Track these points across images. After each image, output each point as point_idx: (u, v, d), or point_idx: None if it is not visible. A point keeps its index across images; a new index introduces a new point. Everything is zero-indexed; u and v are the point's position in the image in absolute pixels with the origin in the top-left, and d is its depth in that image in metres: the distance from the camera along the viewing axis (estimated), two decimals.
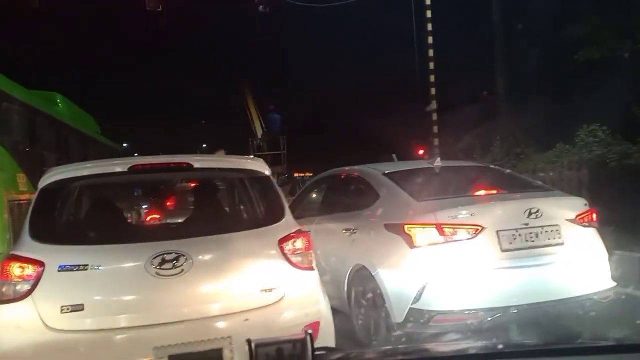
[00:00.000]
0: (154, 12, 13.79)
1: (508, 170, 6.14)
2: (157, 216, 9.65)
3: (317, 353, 1.30)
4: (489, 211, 4.23)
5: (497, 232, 4.08)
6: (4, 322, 3.06)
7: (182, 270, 3.16)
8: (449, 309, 3.95)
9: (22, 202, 6.21)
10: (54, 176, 3.62)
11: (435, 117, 16.89)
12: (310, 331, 1.32)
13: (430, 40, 16.59)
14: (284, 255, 3.42)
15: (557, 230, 4.23)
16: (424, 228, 4.08)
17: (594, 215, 4.49)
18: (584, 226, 4.38)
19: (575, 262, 4.19)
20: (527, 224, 4.15)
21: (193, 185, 6.05)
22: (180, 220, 6.18)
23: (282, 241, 3.45)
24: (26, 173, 6.72)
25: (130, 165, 3.60)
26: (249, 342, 1.30)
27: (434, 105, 15.65)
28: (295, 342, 1.28)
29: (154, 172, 3.96)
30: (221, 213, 4.43)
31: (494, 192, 4.72)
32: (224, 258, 3.39)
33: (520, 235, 4.14)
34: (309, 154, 22.41)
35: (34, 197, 3.55)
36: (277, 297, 3.32)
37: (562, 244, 4.22)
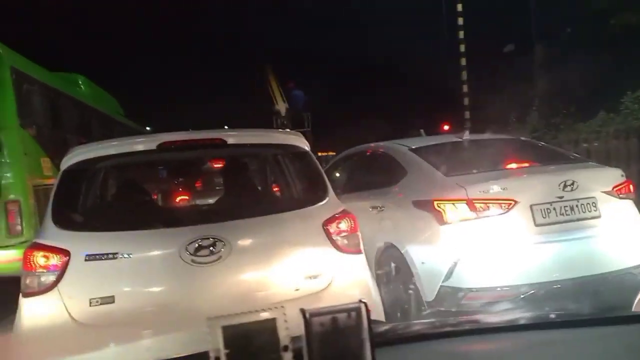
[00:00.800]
0: None
1: (541, 143, 5.98)
2: (187, 197, 9.43)
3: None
4: (521, 185, 4.15)
5: (531, 206, 3.98)
6: (29, 317, 2.87)
7: (220, 257, 2.93)
8: (481, 285, 3.87)
9: (47, 186, 6.06)
10: (77, 156, 3.37)
11: (465, 88, 16.41)
12: (365, 300, 1.27)
13: (460, 7, 16.06)
14: (330, 237, 3.18)
15: (593, 203, 4.13)
16: (454, 204, 3.99)
17: (631, 187, 4.37)
18: (621, 198, 4.27)
19: (613, 235, 4.08)
20: (561, 197, 4.06)
21: (222, 163, 5.75)
22: (211, 202, 5.87)
23: (327, 223, 3.21)
24: (50, 157, 6.59)
25: (159, 142, 3.31)
26: (303, 311, 1.26)
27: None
28: (350, 311, 1.25)
29: (184, 150, 3.63)
30: (256, 192, 4.20)
31: (526, 165, 4.61)
32: (265, 242, 3.15)
33: (554, 208, 4.04)
34: (333, 133, 22.09)
35: (56, 179, 3.32)
36: (324, 284, 3.11)
37: (598, 217, 4.12)
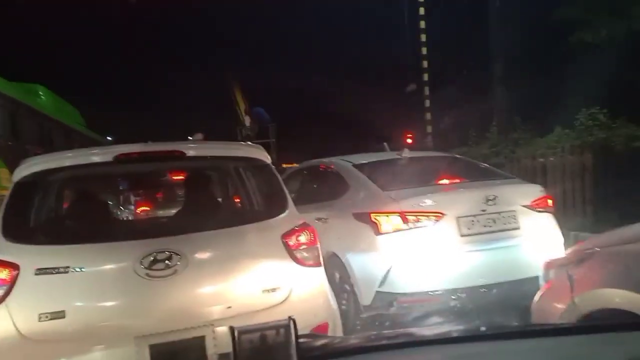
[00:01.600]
0: None
1: (471, 160, 6.56)
2: (145, 209, 9.30)
3: (301, 340, 1.29)
4: (448, 199, 4.60)
5: (457, 218, 4.41)
6: None
7: (176, 271, 2.87)
8: (411, 290, 4.29)
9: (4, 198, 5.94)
10: (30, 167, 3.28)
11: (427, 103, 16.82)
12: (294, 317, 1.30)
13: (423, 24, 16.48)
14: (288, 250, 3.15)
15: (514, 216, 4.59)
16: (388, 216, 4.39)
17: (549, 201, 4.85)
18: (539, 211, 4.73)
19: (530, 244, 4.53)
20: (484, 210, 4.50)
21: (181, 175, 5.70)
22: (170, 214, 5.83)
23: (286, 235, 3.18)
24: (9, 167, 6.45)
25: (115, 154, 3.25)
26: (232, 328, 1.26)
27: (412, 86, 15.51)
28: (278, 328, 1.27)
29: (142, 162, 3.59)
30: (215, 205, 4.17)
31: (456, 180, 5.08)
32: (221, 256, 3.10)
33: (478, 220, 4.49)
34: (298, 144, 22.22)
35: (8, 191, 3.22)
36: (281, 298, 3.07)
37: (518, 228, 4.57)
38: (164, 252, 2.88)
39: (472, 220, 4.45)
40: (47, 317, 2.74)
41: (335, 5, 21.16)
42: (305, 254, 3.20)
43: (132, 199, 10.36)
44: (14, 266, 2.80)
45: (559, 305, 2.62)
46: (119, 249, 3.00)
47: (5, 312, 2.74)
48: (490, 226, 4.50)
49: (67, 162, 3.38)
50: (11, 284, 2.77)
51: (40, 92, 9.61)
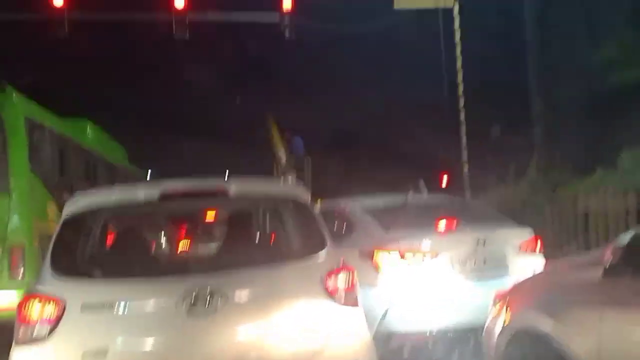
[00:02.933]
0: (181, 39, 14.18)
1: (472, 201, 7.49)
2: (187, 246, 9.53)
3: None
4: (444, 240, 5.06)
5: (451, 258, 4.82)
6: None
7: (217, 310, 2.94)
8: (408, 329, 4.64)
9: (52, 231, 6.20)
10: (78, 203, 3.48)
11: (464, 141, 16.76)
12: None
13: (459, 64, 16.57)
14: (328, 291, 3.19)
15: (504, 257, 5.06)
16: (389, 252, 4.78)
17: (538, 242, 5.28)
18: (528, 253, 5.17)
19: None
20: (476, 251, 4.96)
21: (223, 212, 5.87)
22: (211, 249, 5.99)
23: (326, 276, 3.23)
24: (56, 202, 6.76)
25: (161, 192, 3.40)
26: None
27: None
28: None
29: (186, 199, 3.75)
30: (256, 243, 4.41)
31: (452, 222, 5.46)
32: (262, 295, 3.14)
33: (470, 261, 4.94)
34: (333, 181, 22.43)
35: (57, 226, 3.41)
36: (322, 339, 3.11)
37: (507, 268, 5.02)
38: (205, 289, 2.93)
39: (464, 261, 4.92)
40: (91, 355, 2.80)
41: (372, 45, 21.59)
42: (344, 295, 3.22)
43: (175, 234, 10.66)
44: (60, 301, 2.89)
45: (497, 329, 3.07)
46: (162, 285, 3.08)
47: (51, 349, 2.82)
48: (481, 266, 4.96)
49: (114, 199, 3.62)
50: (57, 319, 2.86)
51: (88, 128, 9.97)
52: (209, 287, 2.96)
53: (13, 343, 2.96)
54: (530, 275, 4.20)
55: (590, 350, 2.34)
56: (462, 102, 16.63)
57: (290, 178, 20.42)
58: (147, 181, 10.78)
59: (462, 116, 16.70)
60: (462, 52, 16.55)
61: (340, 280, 3.23)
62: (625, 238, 2.53)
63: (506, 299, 3.15)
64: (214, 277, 3.06)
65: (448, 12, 16.53)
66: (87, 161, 8.96)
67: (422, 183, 8.81)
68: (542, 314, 2.67)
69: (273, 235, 4.89)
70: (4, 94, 6.22)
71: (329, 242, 3.46)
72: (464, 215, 5.70)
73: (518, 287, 3.32)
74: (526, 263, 5.02)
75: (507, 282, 4.55)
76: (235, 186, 3.58)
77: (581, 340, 2.39)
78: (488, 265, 4.97)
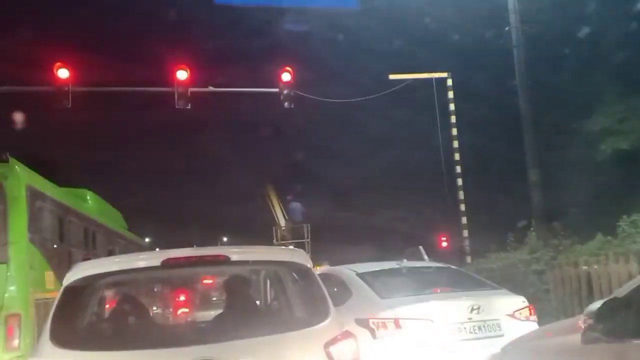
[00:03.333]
0: (182, 111, 14.43)
1: (462, 270, 7.54)
2: (185, 312, 9.39)
3: None
4: (438, 307, 5.15)
5: (445, 325, 4.93)
6: None
7: None
8: None
9: (49, 299, 6.14)
10: (80, 272, 3.42)
11: (462, 207, 16.86)
12: None
13: (455, 131, 16.96)
14: None
15: (498, 324, 5.17)
16: (385, 321, 4.89)
17: (531, 310, 5.43)
18: (522, 320, 5.31)
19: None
20: (470, 318, 5.07)
21: (223, 279, 5.78)
22: (209, 317, 5.85)
23: (329, 344, 3.12)
24: (54, 270, 6.75)
25: (163, 259, 3.36)
26: None
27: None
28: None
29: (187, 266, 3.65)
30: (256, 310, 4.26)
31: (447, 289, 5.77)
32: None
33: (465, 327, 5.04)
34: (332, 247, 22.38)
35: (57, 295, 3.34)
36: None
37: (502, 336, 5.04)
38: None
39: (459, 328, 5.02)
40: None
41: (371, 114, 22.15)
42: None
43: (176, 301, 10.51)
44: None
45: None
46: (163, 356, 3.02)
47: None
48: (475, 333, 5.07)
49: (115, 267, 3.54)
50: None
51: (88, 197, 10.09)
52: (207, 358, 2.90)
53: None
54: (520, 338, 4.18)
55: None
56: (459, 168, 16.93)
57: (290, 244, 20.43)
58: (148, 251, 10.78)
59: (460, 182, 16.94)
60: (457, 121, 17.02)
61: (344, 349, 3.15)
62: (595, 305, 2.69)
63: None
64: (216, 348, 2.99)
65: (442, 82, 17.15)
66: (87, 229, 8.98)
67: (421, 249, 8.97)
68: None
69: (275, 302, 4.81)
70: (7, 164, 6.33)
71: (332, 310, 3.38)
72: (458, 283, 6.02)
73: (509, 350, 3.59)
74: (520, 330, 5.05)
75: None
76: (235, 253, 3.59)
77: None
78: (483, 332, 5.10)
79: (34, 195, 6.65)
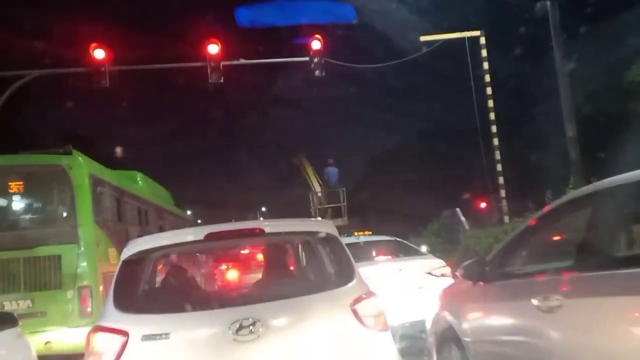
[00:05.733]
0: (215, 86, 15.01)
1: (405, 242, 9.72)
2: (230, 280, 10.53)
3: None
4: (377, 269, 7.28)
5: (381, 280, 6.53)
6: None
7: (259, 336, 3.35)
8: None
9: (113, 273, 7.25)
10: (134, 247, 3.96)
11: (499, 167, 17.23)
12: None
13: (489, 90, 17.19)
14: (358, 317, 3.55)
15: (417, 280, 7.34)
16: None
17: (448, 269, 7.48)
18: (438, 277, 7.31)
19: (429, 297, 5.93)
20: (398, 275, 7.41)
21: (260, 249, 6.57)
22: (251, 281, 6.64)
23: (355, 302, 3.58)
24: (115, 247, 7.83)
25: (206, 233, 3.87)
26: None
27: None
28: None
29: (227, 239, 4.23)
30: (291, 275, 4.84)
31: (387, 256, 8.31)
32: (297, 322, 3.52)
33: (393, 282, 7.15)
34: (369, 212, 23.21)
35: (116, 269, 3.90)
36: (353, 359, 3.51)
37: (421, 287, 7.21)
38: (247, 319, 3.37)
39: (390, 282, 7.02)
40: None
41: (404, 77, 22.42)
42: (373, 320, 3.59)
43: (216, 269, 11.74)
44: (123, 333, 3.37)
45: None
46: (210, 317, 3.55)
47: None
48: (401, 286, 7.18)
49: (165, 242, 4.14)
50: (122, 349, 3.33)
51: (138, 178, 11.26)
52: (250, 317, 3.38)
53: None
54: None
55: (465, 329, 4.07)
56: (494, 128, 17.27)
57: (327, 208, 21.32)
58: (192, 224, 11.82)
59: (496, 141, 17.30)
60: (491, 80, 17.24)
61: (368, 306, 3.61)
62: (466, 263, 4.18)
63: (438, 301, 4.83)
64: (255, 308, 3.47)
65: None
66: (140, 208, 10.11)
67: (458, 212, 10.48)
68: (446, 311, 4.49)
69: (305, 268, 5.31)
70: (71, 156, 7.37)
71: (357, 273, 3.85)
72: (396, 251, 8.56)
73: (441, 294, 4.92)
74: (436, 284, 6.83)
75: (422, 295, 7.02)
76: (269, 225, 4.12)
77: (462, 324, 4.11)
78: (406, 285, 7.27)
79: (95, 182, 7.70)
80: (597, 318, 2.78)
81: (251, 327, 3.35)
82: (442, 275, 7.36)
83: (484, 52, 16.99)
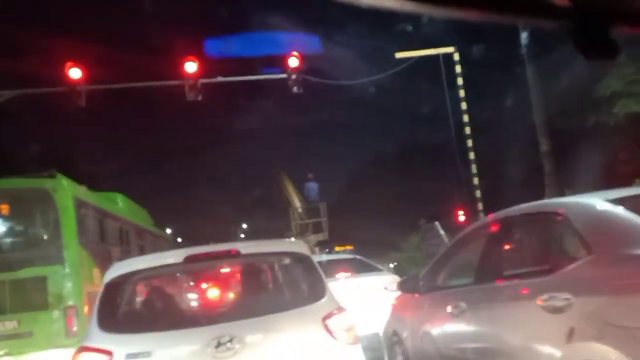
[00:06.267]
0: (193, 102, 15.39)
1: (365, 259, 10.79)
2: (207, 299, 11.05)
3: None
4: (339, 284, 8.27)
5: (342, 293, 6.72)
6: None
7: (236, 352, 3.65)
8: None
9: (97, 292, 7.74)
10: (116, 271, 4.28)
11: (476, 181, 17.94)
12: None
13: (464, 106, 17.96)
14: (329, 331, 3.86)
15: (373, 294, 8.21)
16: None
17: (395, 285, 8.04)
18: (392, 291, 7.21)
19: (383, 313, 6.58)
20: (357, 290, 8.52)
21: (236, 269, 7.02)
22: (228, 301, 7.13)
23: (326, 318, 3.90)
24: (98, 266, 8.32)
25: (185, 256, 4.22)
26: None
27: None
28: None
29: (205, 260, 4.55)
30: (266, 293, 5.16)
31: (346, 273, 9.45)
32: (272, 337, 3.83)
33: (353, 295, 7.91)
34: (348, 226, 23.79)
35: (100, 291, 4.18)
36: None
37: (377, 302, 7.77)
38: (225, 336, 3.66)
39: (350, 296, 7.53)
40: None
41: (380, 94, 23.04)
42: (344, 334, 3.91)
43: (195, 288, 12.25)
44: (108, 353, 3.63)
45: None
46: (190, 335, 3.84)
47: None
48: (360, 298, 8.13)
49: (145, 265, 4.48)
50: None
51: (119, 199, 11.75)
52: (227, 334, 3.68)
53: None
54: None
55: (404, 331, 5.30)
56: (470, 142, 18.01)
57: (308, 223, 21.86)
58: (171, 242, 12.31)
59: (472, 155, 18.06)
60: (465, 94, 18.01)
61: (338, 321, 3.94)
62: (402, 279, 5.69)
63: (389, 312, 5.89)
64: (232, 325, 3.79)
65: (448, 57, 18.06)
66: (121, 229, 10.56)
67: (437, 225, 11.55)
68: (392, 319, 5.79)
69: (279, 286, 5.60)
70: (55, 179, 7.86)
71: (328, 289, 4.19)
72: (356, 269, 9.73)
73: (391, 306, 5.96)
74: (389, 297, 7.34)
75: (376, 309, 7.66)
76: (244, 247, 4.53)
77: (402, 328, 5.37)
78: (364, 297, 8.26)
79: (79, 204, 8.16)
80: (488, 317, 4.00)
81: (228, 344, 3.65)
82: (395, 289, 8.02)
83: (458, 69, 17.78)
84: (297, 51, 15.27)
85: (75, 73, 13.83)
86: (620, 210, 3.19)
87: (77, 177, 9.47)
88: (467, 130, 18.10)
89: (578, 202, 3.66)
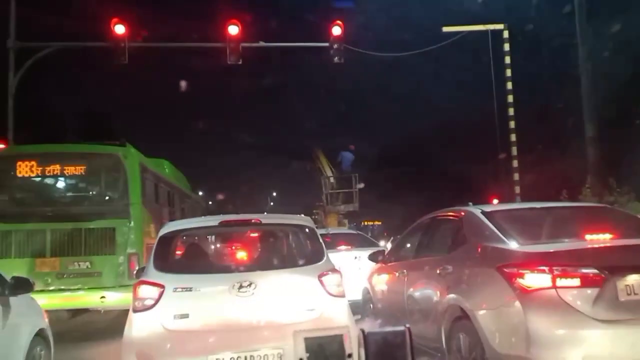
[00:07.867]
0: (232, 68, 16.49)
1: (363, 234, 13.94)
2: (234, 254, 14.05)
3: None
4: (339, 255, 10.56)
5: (342, 264, 8.03)
6: (138, 325, 5.24)
7: (253, 293, 5.29)
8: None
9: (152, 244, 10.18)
10: (168, 228, 6.17)
11: (515, 163, 19.44)
12: (408, 325, 2.15)
13: (510, 85, 19.37)
14: (323, 285, 5.48)
15: (370, 265, 9.19)
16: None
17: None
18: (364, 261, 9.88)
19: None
20: (355, 261, 11.00)
21: (257, 233, 8.86)
22: (250, 257, 9.49)
23: (321, 275, 5.53)
24: (154, 223, 10.42)
25: (219, 221, 6.32)
26: (362, 330, 2.16)
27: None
28: (397, 334, 1.96)
29: (234, 225, 6.79)
30: (278, 253, 7.06)
31: (347, 246, 12.11)
32: (279, 285, 5.45)
33: (352, 266, 10.49)
34: (381, 203, 25.63)
35: (155, 242, 5.94)
36: (317, 315, 5.37)
37: (368, 270, 9.44)
38: (246, 281, 5.34)
39: (350, 266, 10.23)
40: (178, 317, 5.15)
41: (423, 68, 24.34)
42: (334, 288, 5.52)
43: (226, 246, 15.61)
44: (161, 286, 5.28)
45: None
46: (220, 278, 5.58)
47: (155, 313, 5.19)
48: (357, 269, 10.09)
49: (189, 225, 6.66)
50: (159, 296, 5.24)
51: (165, 166, 14.30)
52: (248, 280, 5.32)
53: (130, 311, 5.33)
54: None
55: (372, 290, 8.22)
56: (513, 124, 19.46)
57: (338, 195, 24.04)
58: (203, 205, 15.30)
59: (513, 137, 19.52)
60: (511, 75, 19.38)
61: (331, 279, 5.54)
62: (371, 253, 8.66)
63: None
64: (251, 274, 5.43)
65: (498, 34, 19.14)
66: (169, 192, 12.75)
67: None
68: (367, 282, 8.42)
69: (291, 249, 7.56)
70: (125, 147, 10.04)
71: (326, 254, 5.87)
72: (356, 243, 12.45)
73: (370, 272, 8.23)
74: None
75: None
76: (265, 218, 6.69)
77: (372, 288, 8.24)
78: (355, 266, 10.32)
79: (143, 169, 10.10)
80: (414, 279, 6.56)
81: (247, 287, 5.31)
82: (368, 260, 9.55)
83: (507, 47, 18.67)
84: (340, 19, 16.41)
85: (120, 29, 15.22)
86: (484, 218, 5.63)
87: (112, 136, 11.64)
88: (511, 111, 18.80)
89: (467, 210, 6.01)
